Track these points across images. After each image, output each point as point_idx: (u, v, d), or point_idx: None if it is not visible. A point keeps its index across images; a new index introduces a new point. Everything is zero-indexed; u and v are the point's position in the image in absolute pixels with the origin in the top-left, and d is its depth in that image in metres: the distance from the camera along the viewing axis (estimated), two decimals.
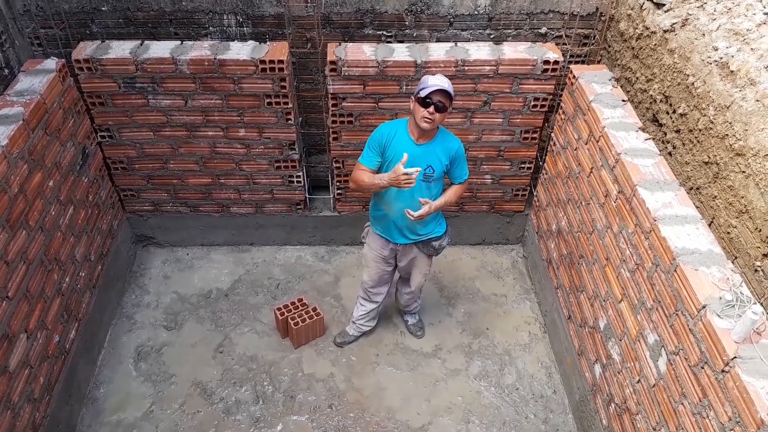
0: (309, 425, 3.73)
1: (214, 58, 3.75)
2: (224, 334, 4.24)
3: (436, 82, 3.06)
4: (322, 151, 4.70)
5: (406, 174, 3.06)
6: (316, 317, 4.10)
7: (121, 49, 3.80)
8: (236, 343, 4.18)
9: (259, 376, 3.98)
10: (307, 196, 4.64)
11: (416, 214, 3.24)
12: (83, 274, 3.89)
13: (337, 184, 4.49)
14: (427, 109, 3.08)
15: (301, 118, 4.38)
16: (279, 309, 4.15)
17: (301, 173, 4.44)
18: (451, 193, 3.44)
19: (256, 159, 4.32)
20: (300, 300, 4.23)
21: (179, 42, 3.88)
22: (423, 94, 3.06)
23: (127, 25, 4.11)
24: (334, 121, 4.11)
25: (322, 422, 3.74)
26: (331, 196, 4.65)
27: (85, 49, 3.79)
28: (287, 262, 4.78)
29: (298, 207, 4.66)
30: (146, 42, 3.87)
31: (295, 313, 4.11)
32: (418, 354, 4.16)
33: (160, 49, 3.81)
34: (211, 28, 4.14)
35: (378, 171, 3.34)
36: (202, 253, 4.83)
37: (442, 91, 3.03)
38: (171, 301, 4.45)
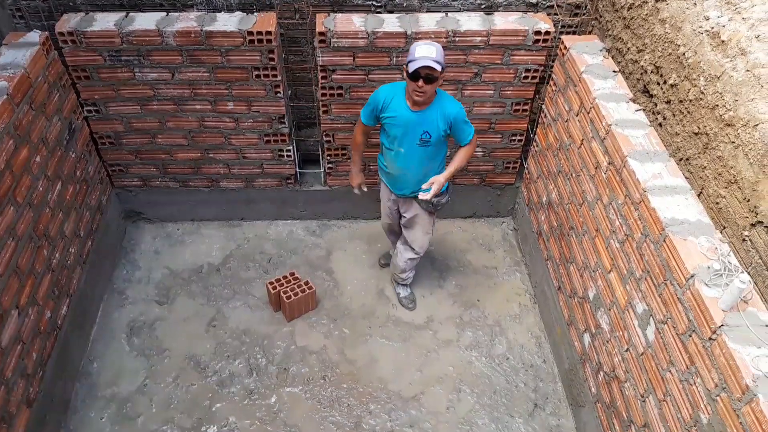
0: (303, 396, 3.77)
1: (201, 30, 3.69)
2: (217, 308, 4.25)
3: (423, 53, 3.03)
4: (312, 125, 4.67)
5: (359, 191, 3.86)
6: (308, 291, 4.12)
7: (105, 21, 3.72)
8: (229, 317, 4.19)
9: (252, 350, 4.01)
10: (298, 170, 4.62)
11: (428, 196, 3.33)
12: (73, 250, 3.87)
13: (328, 158, 4.47)
14: (416, 83, 3.09)
15: (290, 91, 4.34)
16: (271, 283, 4.16)
17: (291, 147, 4.41)
18: (459, 158, 3.48)
19: (246, 133, 4.28)
20: (292, 274, 4.24)
21: (165, 13, 3.81)
22: (411, 68, 3.05)
23: None
24: (323, 94, 4.07)
25: (315, 393, 3.79)
26: (322, 170, 4.64)
27: (69, 22, 3.71)
28: (279, 237, 4.78)
29: (289, 181, 4.64)
30: (131, 14, 3.79)
31: (287, 287, 4.12)
32: (410, 326, 4.20)
33: (146, 20, 3.73)
34: None
35: (374, 126, 3.58)
36: (193, 228, 4.81)
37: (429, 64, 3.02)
38: (162, 277, 4.44)
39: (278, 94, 4.05)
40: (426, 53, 3.02)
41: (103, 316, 4.19)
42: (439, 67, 3.05)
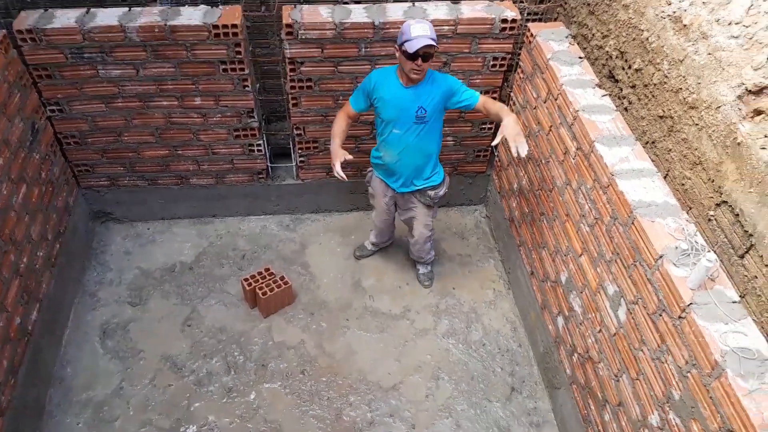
0: (282, 392, 3.76)
1: (165, 24, 3.62)
2: (191, 307, 4.20)
3: (419, 32, 3.08)
4: (283, 118, 4.63)
5: (338, 173, 3.50)
6: (284, 286, 4.10)
7: (66, 18, 3.62)
8: (204, 316, 4.15)
9: (229, 347, 3.98)
10: (269, 164, 4.58)
11: (524, 150, 3.16)
12: (41, 253, 3.79)
13: (299, 151, 4.44)
14: (415, 62, 3.16)
15: (258, 85, 4.29)
16: (246, 279, 4.13)
17: (261, 141, 4.37)
18: (498, 109, 3.35)
19: (214, 128, 4.23)
20: (267, 269, 4.22)
21: (127, 9, 3.72)
22: (410, 48, 3.09)
23: None
24: (293, 87, 4.04)
25: (295, 388, 3.78)
26: (294, 163, 4.61)
27: (27, 19, 3.60)
28: (252, 233, 4.74)
29: (260, 176, 4.60)
30: (92, 9, 3.70)
31: (262, 283, 4.10)
32: (387, 316, 4.22)
33: (108, 16, 3.65)
34: None
35: (362, 112, 3.59)
36: (163, 227, 4.74)
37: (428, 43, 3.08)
38: (134, 277, 4.38)
39: (246, 88, 4.00)
40: (422, 32, 3.08)
41: (75, 319, 4.11)
42: (434, 43, 3.11)
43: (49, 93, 3.89)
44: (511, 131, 3.20)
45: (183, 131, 4.22)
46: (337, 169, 3.51)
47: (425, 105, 3.37)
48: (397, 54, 3.25)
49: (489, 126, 4.44)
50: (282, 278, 4.14)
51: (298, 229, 4.79)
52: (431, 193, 3.74)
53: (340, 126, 3.61)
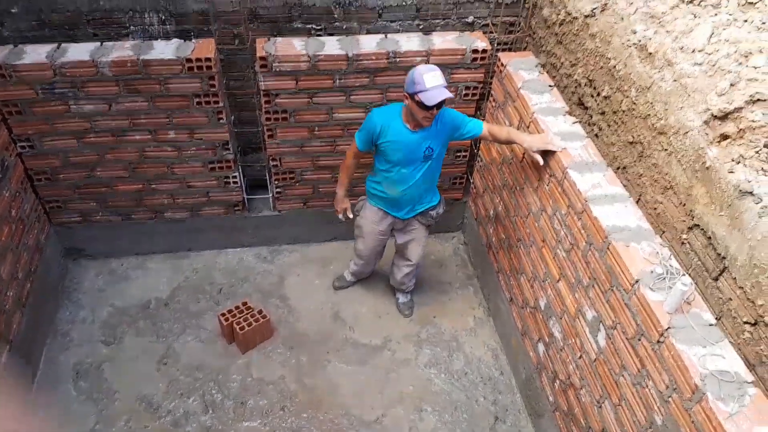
0: (262, 429, 3.67)
1: (138, 59, 3.60)
2: (167, 344, 4.11)
3: (435, 82, 3.03)
4: (258, 150, 4.62)
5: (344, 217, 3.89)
6: (262, 320, 4.03)
7: (36, 54, 3.59)
8: (180, 353, 4.06)
9: (206, 385, 3.89)
10: (245, 196, 4.55)
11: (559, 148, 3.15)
12: (11, 293, 3.68)
13: (276, 182, 4.42)
14: (430, 111, 3.14)
15: (233, 117, 4.28)
16: (223, 314, 4.06)
17: (237, 173, 4.34)
18: (507, 135, 3.39)
19: (189, 161, 4.19)
20: (245, 303, 4.15)
21: (99, 43, 3.71)
22: (427, 102, 3.05)
23: (41, 28, 3.89)
24: (268, 119, 4.04)
25: (275, 425, 3.70)
26: (270, 195, 4.58)
27: None
28: (228, 266, 4.68)
29: (237, 208, 4.56)
30: (63, 45, 3.68)
31: (240, 318, 4.03)
32: (368, 347, 4.17)
33: (79, 51, 3.62)
34: (132, 27, 3.97)
35: (369, 152, 3.57)
36: (138, 262, 4.65)
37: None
38: (108, 315, 4.27)
39: (221, 121, 3.99)
40: (437, 81, 3.05)
41: (47, 360, 3.98)
42: (448, 92, 3.10)
43: (19, 129, 3.83)
44: (538, 146, 3.20)
45: (157, 165, 4.17)
46: (340, 216, 3.92)
47: (433, 145, 3.40)
48: (407, 101, 3.19)
49: (464, 154, 4.47)
50: (260, 312, 4.08)
51: (276, 260, 4.75)
52: (432, 213, 3.82)
53: (348, 170, 3.69)
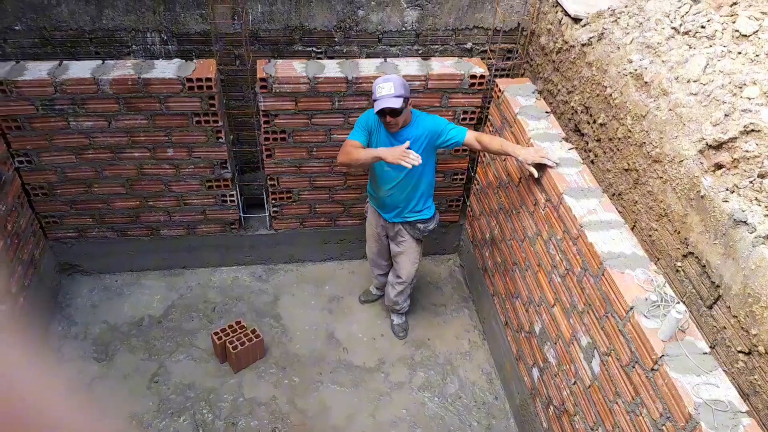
0: None
1: (138, 78, 3.63)
2: (159, 362, 4.08)
3: (383, 92, 3.22)
4: (256, 169, 4.64)
5: (410, 156, 3.18)
6: (255, 339, 4.01)
7: (38, 70, 3.62)
8: (172, 372, 4.03)
9: (197, 405, 3.85)
10: (242, 215, 4.55)
11: (553, 162, 3.18)
12: (3, 307, 3.66)
13: (273, 201, 4.43)
14: (385, 119, 3.31)
15: (232, 136, 4.31)
16: (216, 333, 4.04)
17: (234, 192, 4.35)
18: (499, 146, 3.40)
19: (187, 179, 4.21)
20: (238, 323, 4.13)
21: (101, 61, 3.74)
22: (375, 109, 3.25)
23: (44, 45, 3.92)
24: (266, 138, 4.06)
25: None
26: (267, 214, 4.59)
27: None
28: (223, 284, 4.67)
29: (233, 226, 4.57)
30: (65, 62, 3.71)
31: (233, 337, 4.01)
32: (362, 369, 4.14)
33: (80, 69, 3.65)
34: (134, 46, 4.01)
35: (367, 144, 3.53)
36: (132, 279, 4.64)
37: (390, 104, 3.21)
38: (100, 332, 4.24)
39: (220, 140, 4.01)
40: (386, 92, 3.22)
41: None
42: (399, 102, 3.21)
43: (17, 144, 3.84)
44: (533, 159, 3.24)
45: (154, 182, 4.18)
46: (412, 158, 3.20)
47: (412, 147, 3.43)
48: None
49: (461, 177, 4.50)
50: (254, 331, 4.06)
51: (271, 279, 4.74)
52: (421, 226, 3.81)
53: (359, 150, 3.40)
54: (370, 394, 3.99)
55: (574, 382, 3.03)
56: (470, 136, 3.46)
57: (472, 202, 4.57)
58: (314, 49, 4.19)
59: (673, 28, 3.16)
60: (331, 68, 3.86)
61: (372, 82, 3.80)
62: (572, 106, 3.74)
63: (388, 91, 3.20)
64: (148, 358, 4.10)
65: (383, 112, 3.26)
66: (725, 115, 2.60)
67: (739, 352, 2.35)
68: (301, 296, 4.62)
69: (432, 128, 3.46)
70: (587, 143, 3.60)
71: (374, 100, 3.26)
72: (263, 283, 4.71)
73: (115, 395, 3.86)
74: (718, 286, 2.47)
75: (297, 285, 4.71)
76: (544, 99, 3.85)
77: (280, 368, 4.10)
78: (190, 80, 3.67)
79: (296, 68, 3.82)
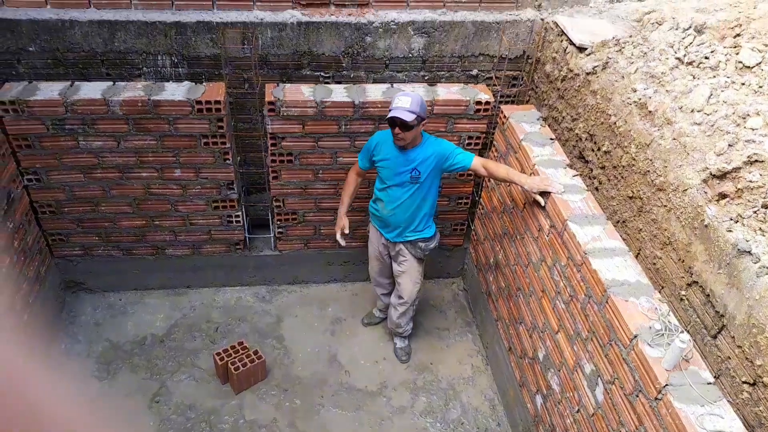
0: None
1: (148, 99, 3.69)
2: (160, 382, 4.07)
3: (398, 104, 3.33)
4: (262, 190, 4.67)
5: (337, 239, 3.90)
6: (257, 360, 4.00)
7: (50, 91, 3.68)
8: (173, 392, 4.01)
9: (198, 426, 3.83)
10: (247, 235, 4.58)
11: (558, 190, 3.26)
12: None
13: (278, 222, 4.46)
14: (394, 130, 3.39)
15: (239, 157, 4.35)
16: (218, 354, 4.03)
17: (240, 213, 4.38)
18: (505, 174, 3.47)
19: (193, 199, 4.24)
20: (240, 343, 4.13)
21: (111, 83, 3.80)
22: (388, 116, 3.37)
23: (57, 66, 3.99)
24: (273, 161, 4.10)
25: None
26: (272, 235, 4.61)
27: (11, 91, 3.65)
28: (226, 304, 4.67)
29: (238, 247, 4.59)
30: (76, 83, 3.77)
31: (235, 358, 4.00)
32: (364, 393, 4.12)
33: (91, 90, 3.71)
34: (144, 68, 4.08)
35: (368, 170, 3.78)
36: (136, 297, 4.65)
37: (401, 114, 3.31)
38: (103, 350, 4.24)
39: (227, 161, 4.05)
40: (402, 104, 3.32)
41: None
42: (411, 117, 3.30)
43: (27, 162, 3.89)
44: (538, 188, 3.30)
45: (161, 202, 4.22)
46: (337, 237, 3.91)
47: (420, 168, 3.55)
48: None
49: (465, 201, 4.52)
50: (256, 353, 4.05)
51: (275, 300, 4.74)
52: (422, 245, 3.84)
53: (349, 188, 3.85)
54: (372, 418, 3.97)
55: (578, 410, 3.01)
56: (477, 162, 3.51)
57: (476, 226, 4.59)
58: (322, 73, 4.25)
59: (677, 58, 3.20)
60: (339, 93, 3.91)
61: (379, 107, 3.87)
62: (577, 134, 3.78)
63: (404, 104, 3.31)
64: (150, 377, 4.09)
65: (393, 122, 3.34)
66: (729, 145, 2.62)
67: (744, 382, 2.34)
68: (304, 318, 4.62)
69: (440, 151, 3.53)
70: (591, 170, 3.63)
71: (389, 110, 3.36)
72: (266, 304, 4.71)
73: (116, 414, 3.83)
74: (722, 316, 2.47)
75: (300, 306, 4.71)
76: (548, 126, 3.89)
77: (281, 390, 4.09)
78: (199, 102, 3.72)
79: (304, 92, 3.87)
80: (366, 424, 3.93)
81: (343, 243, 3.93)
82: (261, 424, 3.87)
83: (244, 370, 3.93)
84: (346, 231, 3.89)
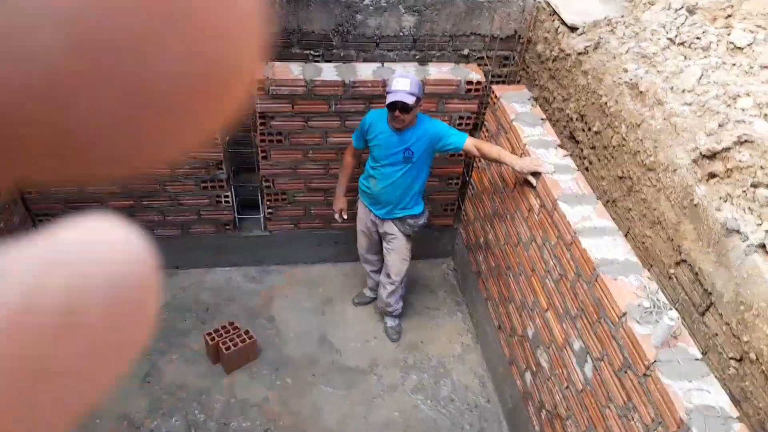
0: None
1: None
2: (151, 362, 4.07)
3: (397, 86, 3.30)
4: (252, 170, 4.63)
5: (337, 218, 4.01)
6: (248, 340, 4.01)
7: None
8: (164, 372, 4.02)
9: (189, 405, 3.85)
10: (236, 215, 4.55)
11: (549, 170, 3.28)
12: None
13: (268, 203, 4.44)
14: (393, 113, 3.37)
15: (228, 137, 4.30)
16: (209, 334, 4.03)
17: (229, 193, 4.35)
18: (497, 154, 3.46)
19: (181, 180, 4.20)
20: (231, 323, 4.13)
21: None
22: (387, 101, 3.34)
23: None
24: (262, 140, 4.07)
25: None
26: (262, 215, 4.59)
27: None
28: (216, 285, 4.66)
29: (227, 227, 4.56)
30: None
31: (226, 338, 4.00)
32: (355, 372, 4.15)
33: None
34: None
35: (363, 149, 3.76)
36: None
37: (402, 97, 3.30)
38: None
39: (215, 141, 4.01)
40: (401, 87, 3.29)
41: None
42: (412, 99, 3.29)
43: None
44: (529, 169, 3.32)
45: (149, 182, 4.17)
46: (336, 216, 4.03)
47: (413, 148, 3.56)
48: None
49: (456, 181, 4.53)
50: (247, 332, 4.06)
51: (265, 281, 4.74)
52: (410, 221, 3.86)
53: (346, 169, 3.89)
54: (363, 396, 4.00)
55: (567, 387, 3.06)
56: (469, 143, 3.52)
57: (466, 206, 4.60)
58: (312, 52, 4.20)
59: (668, 38, 3.21)
60: (329, 71, 3.87)
61: (369, 86, 3.85)
62: (567, 114, 3.78)
63: (403, 87, 3.28)
64: (140, 357, 4.08)
65: (394, 106, 3.32)
66: (719, 125, 2.65)
67: (731, 358, 2.39)
68: (295, 298, 4.63)
69: (434, 132, 3.54)
70: (582, 150, 3.65)
71: (387, 92, 3.34)
72: (257, 284, 4.71)
73: (107, 394, 3.84)
74: (710, 294, 2.51)
75: (290, 286, 4.71)
76: (539, 106, 3.89)
77: (273, 369, 4.11)
78: None
79: (293, 71, 3.83)
80: (357, 401, 3.97)
81: (341, 220, 4.05)
82: (253, 402, 3.90)
83: (235, 349, 3.94)
84: (344, 216, 4.00)
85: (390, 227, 3.90)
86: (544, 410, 3.35)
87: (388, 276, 4.11)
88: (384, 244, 4.04)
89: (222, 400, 3.90)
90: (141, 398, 3.85)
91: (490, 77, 4.33)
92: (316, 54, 4.20)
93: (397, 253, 3.99)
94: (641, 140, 3.03)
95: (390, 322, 4.39)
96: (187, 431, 3.70)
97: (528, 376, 3.55)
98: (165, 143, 0.24)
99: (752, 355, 2.27)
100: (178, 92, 0.23)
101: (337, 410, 3.91)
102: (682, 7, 3.30)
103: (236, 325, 4.13)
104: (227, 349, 3.93)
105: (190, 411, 3.81)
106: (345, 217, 4.01)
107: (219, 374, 4.04)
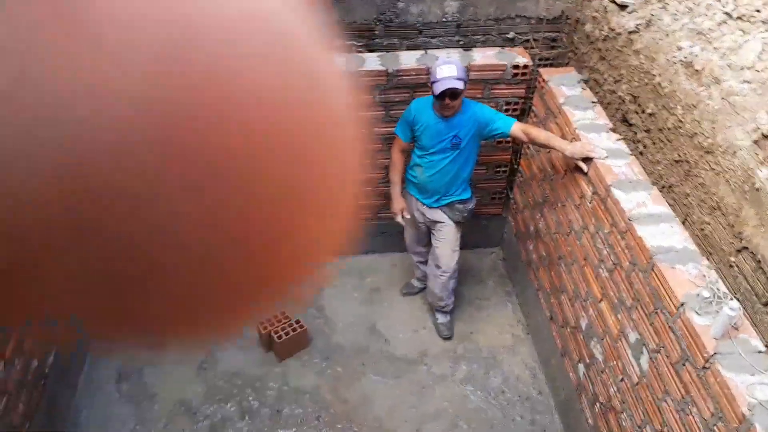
0: None
1: None
2: (206, 350, 4.19)
3: (445, 74, 3.24)
4: None
5: (398, 221, 3.93)
6: (299, 329, 4.08)
7: None
8: (219, 360, 4.13)
9: (244, 392, 3.95)
10: None
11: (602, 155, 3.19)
12: None
13: None
14: (443, 101, 3.32)
15: None
16: (262, 323, 4.12)
17: None
18: (545, 139, 3.39)
19: None
20: (282, 313, 4.21)
21: None
22: (435, 91, 3.27)
23: None
24: None
25: None
26: None
27: None
28: None
29: None
30: None
31: (278, 327, 4.08)
32: (404, 361, 4.16)
33: None
34: None
35: (410, 141, 3.69)
36: None
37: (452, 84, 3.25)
38: None
39: None
40: (448, 73, 3.24)
41: (91, 363, 4.11)
42: (461, 84, 3.25)
43: None
44: (580, 154, 3.22)
45: None
46: (398, 219, 3.91)
47: (460, 135, 3.52)
48: (431, 91, 3.37)
49: (504, 169, 4.45)
50: (297, 322, 4.13)
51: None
52: (460, 206, 3.81)
53: (397, 166, 3.79)
54: (412, 386, 4.01)
55: (622, 379, 2.97)
56: (516, 128, 3.44)
57: (515, 194, 4.51)
58: (354, 42, 4.19)
59: (725, 13, 3.03)
60: (372, 61, 3.86)
61: (413, 75, 3.81)
62: (619, 96, 3.64)
63: (450, 73, 3.23)
64: (197, 346, 4.21)
65: (444, 95, 3.27)
66: None
67: None
68: (344, 288, 4.66)
69: (481, 117, 3.48)
70: (635, 134, 3.51)
71: (433, 82, 3.28)
72: None
73: (165, 381, 3.99)
74: None
75: (339, 277, 4.74)
76: (590, 89, 3.77)
77: (323, 358, 4.16)
78: None
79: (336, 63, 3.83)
80: (407, 391, 3.98)
81: (403, 222, 3.94)
82: (305, 390, 3.97)
83: (287, 338, 4.02)
84: (407, 215, 3.88)
85: (439, 215, 3.85)
86: (597, 403, 3.27)
87: (438, 267, 4.04)
88: (433, 235, 3.99)
89: (275, 387, 3.98)
90: (197, 385, 3.98)
91: (537, 60, 4.22)
92: (359, 44, 4.19)
93: (447, 243, 3.93)
94: (698, 121, 2.88)
95: (441, 318, 4.35)
96: (242, 417, 3.81)
97: (581, 367, 3.46)
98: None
99: None
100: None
101: (386, 399, 3.93)
102: None
103: (287, 314, 4.20)
104: (279, 338, 4.01)
105: (245, 397, 3.91)
106: (408, 216, 3.91)
107: (272, 362, 4.12)
